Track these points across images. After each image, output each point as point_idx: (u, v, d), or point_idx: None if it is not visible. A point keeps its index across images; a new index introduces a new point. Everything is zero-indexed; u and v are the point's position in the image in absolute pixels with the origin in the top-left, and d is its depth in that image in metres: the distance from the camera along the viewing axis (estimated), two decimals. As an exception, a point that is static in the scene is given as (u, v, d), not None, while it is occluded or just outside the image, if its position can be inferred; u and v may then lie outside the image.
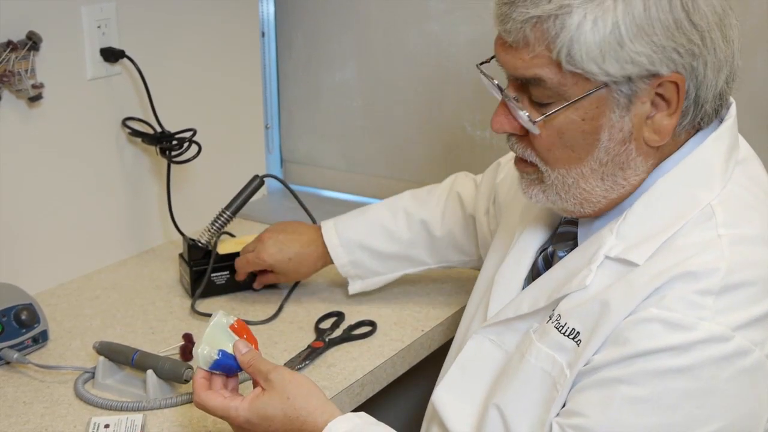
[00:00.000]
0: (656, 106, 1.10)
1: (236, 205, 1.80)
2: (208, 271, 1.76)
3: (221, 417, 1.24)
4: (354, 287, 1.72)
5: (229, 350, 1.26)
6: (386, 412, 1.90)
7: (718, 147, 1.15)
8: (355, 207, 2.29)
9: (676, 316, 1.04)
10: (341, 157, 2.34)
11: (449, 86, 2.10)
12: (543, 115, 1.12)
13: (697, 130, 1.16)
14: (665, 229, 1.11)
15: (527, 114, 1.13)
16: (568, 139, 1.12)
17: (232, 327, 1.28)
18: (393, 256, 1.69)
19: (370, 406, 1.55)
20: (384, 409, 1.90)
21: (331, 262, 1.71)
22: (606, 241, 1.15)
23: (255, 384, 1.25)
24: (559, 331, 1.15)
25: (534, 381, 1.16)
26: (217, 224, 1.79)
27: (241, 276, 1.77)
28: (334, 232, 1.71)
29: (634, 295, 1.08)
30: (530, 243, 1.31)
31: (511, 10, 1.09)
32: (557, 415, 1.13)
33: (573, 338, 1.13)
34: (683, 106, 1.10)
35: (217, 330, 1.27)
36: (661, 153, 1.15)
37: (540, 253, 1.30)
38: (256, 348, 1.28)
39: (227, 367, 1.26)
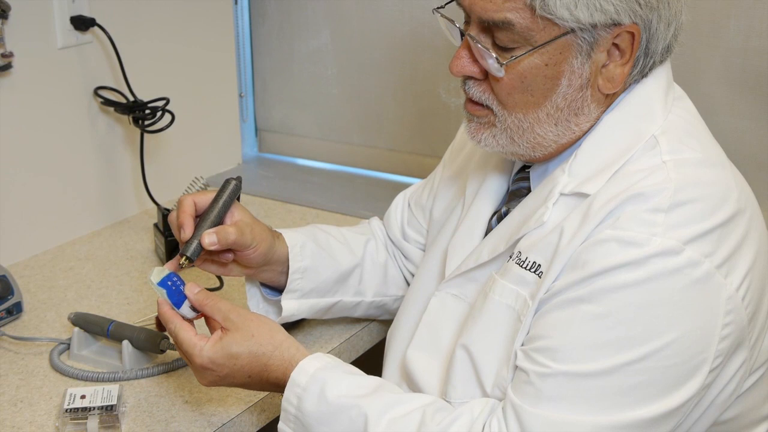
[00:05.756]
0: (610, 55, 1.16)
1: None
2: (183, 240, 1.75)
3: (184, 352, 1.23)
4: (288, 307, 1.43)
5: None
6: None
7: (657, 84, 1.21)
8: (329, 175, 2.30)
9: (629, 234, 1.09)
10: (316, 125, 2.33)
11: (424, 53, 2.09)
12: (508, 58, 1.15)
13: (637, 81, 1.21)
14: (614, 161, 1.16)
15: (495, 57, 1.15)
16: (529, 83, 1.16)
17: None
18: (347, 272, 1.49)
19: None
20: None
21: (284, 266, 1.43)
22: (559, 181, 1.19)
23: (212, 329, 1.25)
24: (521, 266, 1.18)
25: (499, 317, 1.19)
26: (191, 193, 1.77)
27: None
28: (297, 234, 1.46)
29: (589, 221, 1.12)
30: (482, 210, 1.34)
31: None
32: (522, 344, 1.16)
33: (535, 271, 1.17)
34: (635, 57, 1.16)
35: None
36: (610, 101, 1.20)
37: (494, 215, 1.32)
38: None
39: (177, 292, 1.25)
